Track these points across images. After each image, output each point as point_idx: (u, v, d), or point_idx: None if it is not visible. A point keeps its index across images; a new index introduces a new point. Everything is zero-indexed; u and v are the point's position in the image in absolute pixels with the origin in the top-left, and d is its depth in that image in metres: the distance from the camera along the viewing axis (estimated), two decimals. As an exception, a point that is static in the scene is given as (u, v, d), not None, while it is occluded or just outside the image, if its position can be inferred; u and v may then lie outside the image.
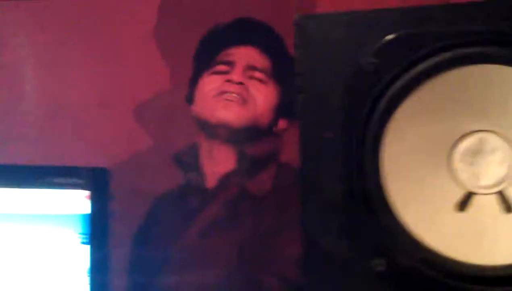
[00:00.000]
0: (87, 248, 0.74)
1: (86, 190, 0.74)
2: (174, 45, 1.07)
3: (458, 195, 0.62)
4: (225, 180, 1.03)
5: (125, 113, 1.05)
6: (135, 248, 0.98)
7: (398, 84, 0.64)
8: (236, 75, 1.02)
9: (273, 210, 1.02)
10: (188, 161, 1.04)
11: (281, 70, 1.04)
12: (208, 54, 1.04)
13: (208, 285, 1.00)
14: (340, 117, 0.67)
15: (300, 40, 0.70)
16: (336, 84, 0.68)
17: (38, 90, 1.05)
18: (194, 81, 1.04)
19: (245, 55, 1.03)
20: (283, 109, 1.04)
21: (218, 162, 1.04)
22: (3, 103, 1.02)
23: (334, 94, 0.68)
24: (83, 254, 0.73)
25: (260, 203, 1.02)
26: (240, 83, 1.01)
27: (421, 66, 0.63)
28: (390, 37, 0.66)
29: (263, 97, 1.02)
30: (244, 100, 1.01)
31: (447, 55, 0.62)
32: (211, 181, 1.04)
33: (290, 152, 1.05)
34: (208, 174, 1.04)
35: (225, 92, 1.01)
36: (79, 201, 0.74)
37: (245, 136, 1.02)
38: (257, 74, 1.02)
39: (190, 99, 1.04)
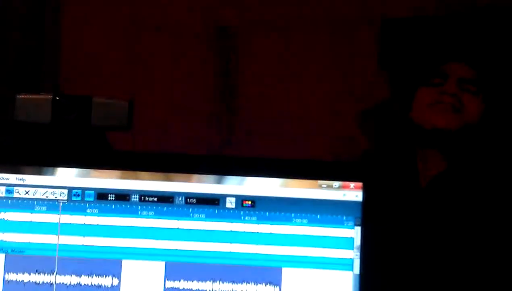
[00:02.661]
0: (359, 228, 0.89)
1: (359, 181, 0.90)
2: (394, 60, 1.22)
3: None
4: (438, 180, 1.15)
5: (350, 119, 1.21)
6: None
7: None
8: (450, 87, 1.14)
9: (484, 208, 1.13)
10: (404, 162, 1.18)
11: (489, 83, 1.16)
12: (424, 69, 1.17)
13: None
14: None
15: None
16: None
17: (281, 97, 1.22)
18: (411, 92, 1.17)
19: (457, 69, 1.16)
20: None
21: (431, 164, 1.17)
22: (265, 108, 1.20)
23: None
24: (357, 233, 0.89)
25: (470, 202, 1.14)
26: (454, 94, 1.14)
27: None
28: None
29: (474, 107, 1.14)
30: (457, 110, 1.14)
31: None
32: (424, 181, 1.17)
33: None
34: (422, 174, 1.17)
35: (440, 102, 1.14)
36: (355, 191, 0.90)
37: (457, 141, 1.15)
38: (469, 86, 1.15)
39: (407, 108, 1.18)
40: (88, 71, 1.26)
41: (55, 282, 0.87)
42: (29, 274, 0.88)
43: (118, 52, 1.26)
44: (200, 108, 1.24)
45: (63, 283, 0.88)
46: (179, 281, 0.89)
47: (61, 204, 0.89)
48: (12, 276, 0.88)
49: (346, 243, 0.89)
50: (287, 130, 1.20)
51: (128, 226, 0.89)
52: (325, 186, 0.90)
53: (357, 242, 0.89)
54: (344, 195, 0.90)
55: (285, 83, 1.22)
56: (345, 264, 0.89)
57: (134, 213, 0.89)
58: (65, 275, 0.88)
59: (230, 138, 1.21)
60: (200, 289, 0.88)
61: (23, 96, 0.88)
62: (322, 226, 0.89)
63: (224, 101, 1.20)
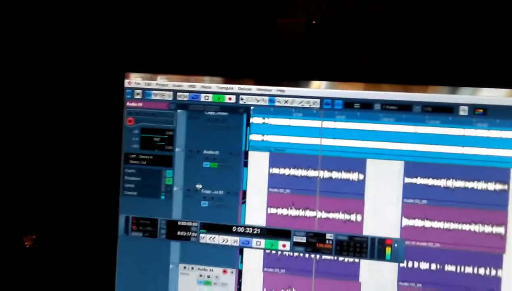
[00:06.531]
0: None
1: None
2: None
3: None
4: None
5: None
6: None
7: None
8: None
9: None
10: None
11: None
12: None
13: None
14: None
15: None
16: None
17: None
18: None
19: None
20: None
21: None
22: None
23: None
24: None
25: None
26: None
27: None
28: None
29: None
30: None
31: None
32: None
33: None
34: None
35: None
36: None
37: None
38: None
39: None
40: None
41: (319, 176, 1.05)
42: (289, 169, 1.07)
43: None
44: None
45: (320, 178, 1.06)
46: (416, 178, 1.03)
47: (322, 111, 1.05)
48: (275, 170, 1.08)
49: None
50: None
51: (372, 131, 1.04)
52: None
53: None
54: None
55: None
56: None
57: (376, 120, 1.04)
58: (319, 170, 1.06)
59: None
60: (435, 185, 1.02)
61: (282, 20, 1.04)
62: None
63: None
